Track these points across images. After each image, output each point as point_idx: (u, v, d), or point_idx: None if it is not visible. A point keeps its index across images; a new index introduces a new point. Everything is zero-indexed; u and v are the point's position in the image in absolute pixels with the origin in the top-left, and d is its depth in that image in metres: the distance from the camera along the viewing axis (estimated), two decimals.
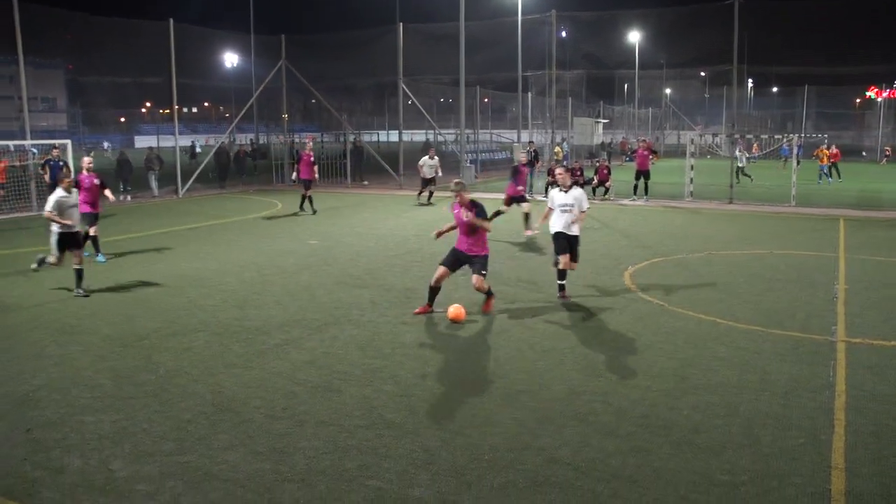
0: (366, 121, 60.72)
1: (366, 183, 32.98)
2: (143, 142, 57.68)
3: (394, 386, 7.69)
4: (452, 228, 10.71)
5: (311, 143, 24.90)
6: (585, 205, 11.44)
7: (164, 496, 5.45)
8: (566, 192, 11.45)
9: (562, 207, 11.39)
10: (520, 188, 18.24)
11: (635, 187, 27.02)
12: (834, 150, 37.01)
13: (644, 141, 32.23)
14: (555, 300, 11.45)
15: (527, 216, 17.69)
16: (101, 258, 14.60)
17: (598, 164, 29.28)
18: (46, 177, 19.96)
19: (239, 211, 23.55)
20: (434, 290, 10.49)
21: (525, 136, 43.05)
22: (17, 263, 14.20)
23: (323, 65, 36.25)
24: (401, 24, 32.03)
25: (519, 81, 41.95)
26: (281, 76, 34.06)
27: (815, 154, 37.84)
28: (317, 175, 23.87)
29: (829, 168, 36.08)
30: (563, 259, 11.35)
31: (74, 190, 12.33)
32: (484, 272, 10.36)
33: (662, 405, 7.18)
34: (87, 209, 14.21)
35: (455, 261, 10.46)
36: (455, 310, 10.07)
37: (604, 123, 58.30)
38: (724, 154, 35.38)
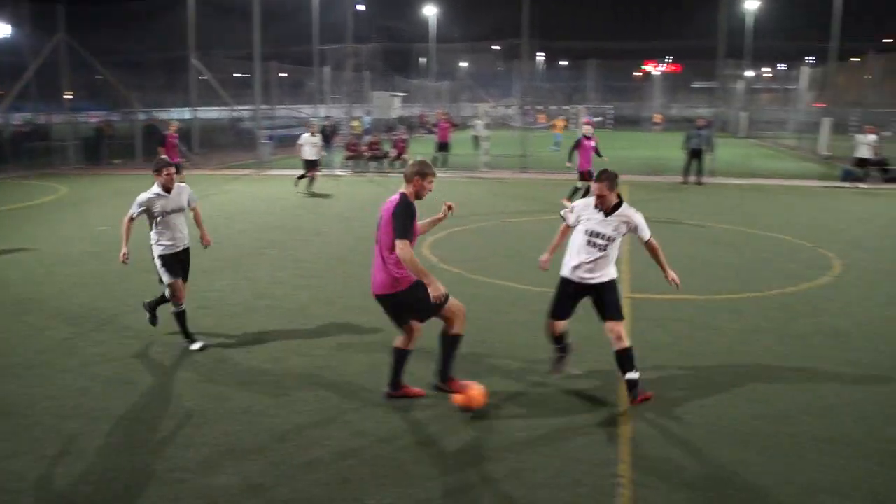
0: (158, 98, 57.77)
1: (117, 161, 31.61)
2: None
3: (192, 373, 7.50)
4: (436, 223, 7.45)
5: (175, 124, 21.73)
6: (645, 233, 6.84)
7: None
8: (606, 214, 6.75)
9: (590, 237, 6.78)
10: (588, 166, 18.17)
11: (435, 159, 27.58)
12: (586, 118, 40.70)
13: (446, 114, 32.92)
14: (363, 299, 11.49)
15: (585, 191, 17.51)
16: None
17: (395, 137, 29.62)
18: None
19: (16, 198, 21.82)
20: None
21: (323, 111, 42.66)
22: None
23: (108, 38, 34.09)
24: None
25: (315, 55, 41.43)
26: (60, 50, 31.70)
27: (552, 123, 41.91)
28: (181, 159, 20.86)
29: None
30: (558, 325, 7.04)
31: (183, 186, 8.54)
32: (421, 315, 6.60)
33: (464, 371, 7.45)
34: None
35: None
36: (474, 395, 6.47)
37: (402, 97, 58.82)
38: (517, 125, 36.94)
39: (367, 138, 31.26)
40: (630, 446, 5.93)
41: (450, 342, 6.55)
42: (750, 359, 8.02)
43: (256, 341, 8.46)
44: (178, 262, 8.39)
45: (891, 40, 60.42)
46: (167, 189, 8.28)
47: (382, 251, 6.32)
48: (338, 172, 27.00)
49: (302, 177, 21.71)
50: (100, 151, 32.22)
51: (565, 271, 6.94)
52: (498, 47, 67.81)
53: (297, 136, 21.53)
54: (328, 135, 28.01)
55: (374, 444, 5.96)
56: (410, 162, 6.41)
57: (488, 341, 8.41)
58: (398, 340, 6.69)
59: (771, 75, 74.05)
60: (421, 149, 31.52)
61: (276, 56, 41.34)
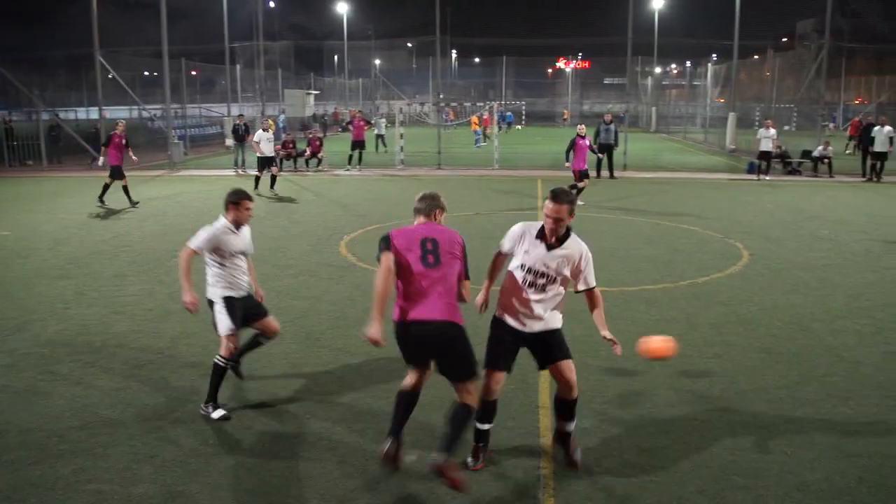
0: (61, 97, 55.69)
1: (30, 163, 30.04)
2: None
3: (107, 381, 7.27)
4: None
5: (123, 123, 19.69)
6: (592, 279, 5.48)
7: None
8: (551, 245, 5.34)
9: (527, 275, 5.39)
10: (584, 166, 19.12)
11: (350, 157, 27.45)
12: (485, 116, 41.62)
13: (360, 112, 32.82)
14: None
15: (579, 190, 18.47)
16: None
17: (310, 135, 29.36)
18: None
19: None
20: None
21: (235, 110, 41.97)
22: None
23: (6, 33, 32.74)
24: None
25: (226, 53, 40.71)
26: None
27: (468, 120, 43.09)
28: (134, 157, 19.37)
29: (483, 132, 40.73)
30: (498, 377, 5.46)
31: (245, 229, 6.88)
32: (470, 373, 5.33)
33: (384, 369, 7.45)
34: None
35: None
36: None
37: (315, 95, 58.37)
38: (433, 122, 37.17)
39: (282, 137, 30.87)
40: (551, 439, 6.02)
41: (467, 415, 5.30)
42: None
43: (172, 346, 8.27)
44: (241, 307, 6.77)
45: (787, 39, 62.93)
46: (238, 226, 6.82)
47: (451, 276, 5.34)
48: (252, 172, 26.51)
49: (259, 179, 21.01)
50: (3, 152, 30.74)
51: (500, 311, 5.58)
52: (411, 44, 67.97)
53: (211, 136, 21.06)
54: (241, 134, 27.51)
55: (295, 447, 5.90)
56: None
57: None
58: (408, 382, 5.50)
59: (678, 72, 76.26)
60: (337, 147, 31.35)
61: (186, 53, 40.50)
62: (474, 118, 41.98)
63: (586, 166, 19.16)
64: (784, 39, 63.32)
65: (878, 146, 24.70)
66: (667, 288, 10.78)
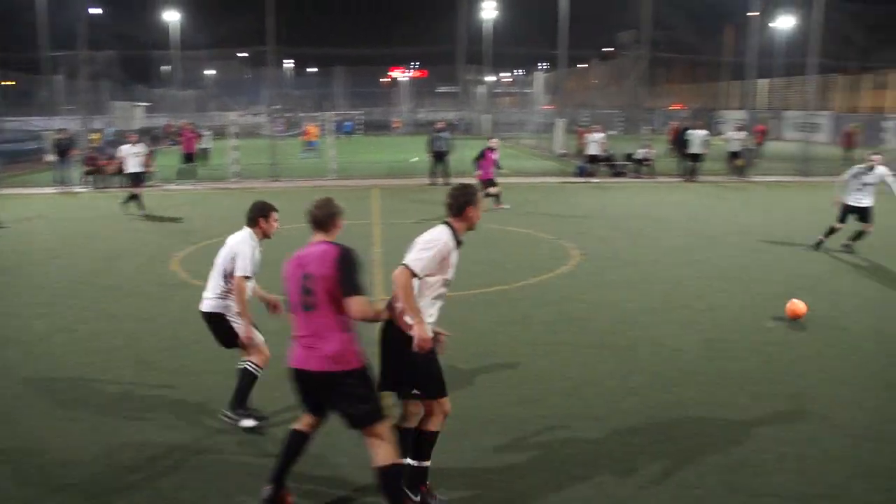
0: None
1: None
2: None
3: None
4: None
5: None
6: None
7: None
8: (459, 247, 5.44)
9: (447, 287, 5.44)
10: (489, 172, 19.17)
11: (180, 171, 26.57)
12: (310, 126, 41.76)
13: (191, 124, 31.82)
14: None
15: (496, 196, 19.08)
16: None
17: None
18: None
19: None
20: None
21: (57, 123, 39.65)
22: None
23: None
24: None
25: (44, 62, 38.52)
26: None
27: (304, 130, 42.81)
28: None
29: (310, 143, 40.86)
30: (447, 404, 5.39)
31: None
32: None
33: (221, 390, 7.24)
34: None
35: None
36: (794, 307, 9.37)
37: (146, 107, 56.12)
38: (266, 133, 36.52)
39: (110, 151, 29.40)
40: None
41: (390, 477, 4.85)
42: (501, 348, 8.46)
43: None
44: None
45: (611, 49, 66.18)
46: (263, 240, 6.55)
47: (331, 316, 4.74)
48: (77, 189, 25.17)
49: (132, 197, 19.04)
50: None
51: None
52: (245, 54, 66.56)
53: (30, 151, 19.52)
54: (63, 148, 25.96)
55: (124, 477, 5.64)
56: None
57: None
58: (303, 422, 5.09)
59: (510, 80, 78.61)
60: (168, 161, 30.22)
61: None
62: (309, 128, 41.44)
63: (492, 176, 19.29)
64: (610, 49, 66.51)
65: (694, 148, 26.35)
66: (502, 290, 11.07)
